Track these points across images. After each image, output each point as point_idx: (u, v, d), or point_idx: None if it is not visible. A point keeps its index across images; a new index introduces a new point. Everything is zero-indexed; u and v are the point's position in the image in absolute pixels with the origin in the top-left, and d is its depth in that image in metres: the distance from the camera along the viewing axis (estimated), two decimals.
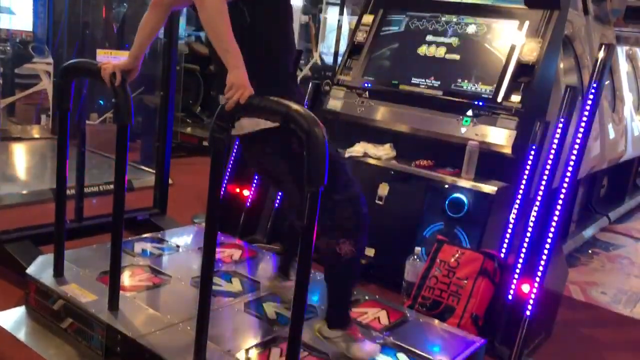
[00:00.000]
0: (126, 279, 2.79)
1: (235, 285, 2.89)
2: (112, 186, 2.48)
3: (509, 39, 3.44)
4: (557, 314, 3.16)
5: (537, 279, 2.75)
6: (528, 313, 2.73)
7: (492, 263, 2.93)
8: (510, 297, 2.83)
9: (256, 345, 2.38)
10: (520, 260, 2.83)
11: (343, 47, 7.19)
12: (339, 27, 8.09)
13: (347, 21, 8.43)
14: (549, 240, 2.78)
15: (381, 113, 3.68)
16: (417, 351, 2.47)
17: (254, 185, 3.84)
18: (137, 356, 2.28)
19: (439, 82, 3.57)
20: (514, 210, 3.09)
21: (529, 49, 3.35)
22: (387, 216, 3.46)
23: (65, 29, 6.11)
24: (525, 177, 3.09)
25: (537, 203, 2.90)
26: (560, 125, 2.96)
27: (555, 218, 2.82)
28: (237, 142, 3.23)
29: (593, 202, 5.29)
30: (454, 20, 3.69)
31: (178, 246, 3.33)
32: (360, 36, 3.94)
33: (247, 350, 2.33)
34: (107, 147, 4.46)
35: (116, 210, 2.43)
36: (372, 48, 3.88)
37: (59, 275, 2.70)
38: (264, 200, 3.90)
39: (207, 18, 1.98)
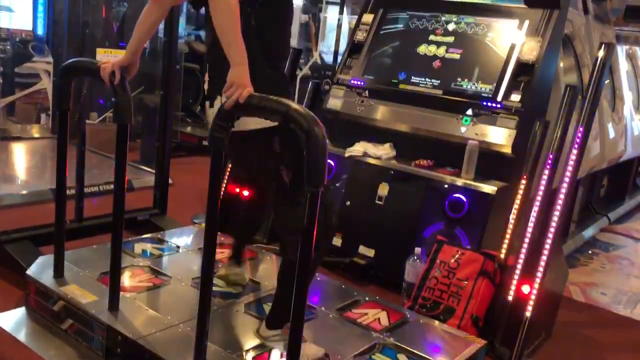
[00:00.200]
0: (126, 279, 2.79)
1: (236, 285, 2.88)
2: (112, 186, 2.47)
3: (509, 38, 3.44)
4: (557, 315, 3.15)
5: (537, 280, 2.75)
6: (528, 314, 2.73)
7: (492, 264, 2.93)
8: (510, 297, 2.82)
9: (256, 346, 2.38)
10: (520, 261, 2.83)
11: (343, 46, 7.18)
12: (339, 26, 8.08)
13: (347, 20, 8.43)
14: (549, 241, 2.78)
15: (381, 112, 3.68)
16: (417, 352, 2.47)
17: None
18: (138, 357, 2.28)
19: (438, 82, 3.56)
20: (514, 210, 3.08)
21: (529, 48, 3.34)
22: (387, 216, 3.46)
23: (65, 29, 6.10)
24: (525, 177, 3.09)
25: (537, 203, 2.90)
26: (560, 124, 2.96)
27: (555, 218, 2.82)
28: None
29: (593, 202, 5.29)
30: (454, 19, 3.68)
31: (178, 247, 3.33)
32: (360, 35, 3.94)
33: (247, 351, 2.33)
34: (107, 147, 4.46)
35: (116, 210, 2.43)
36: (372, 47, 3.88)
37: (59, 276, 2.70)
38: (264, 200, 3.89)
39: (219, 12, 2.00)
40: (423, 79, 3.62)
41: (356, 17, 4.22)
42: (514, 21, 3.47)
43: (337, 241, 3.60)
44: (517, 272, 2.82)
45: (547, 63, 3.38)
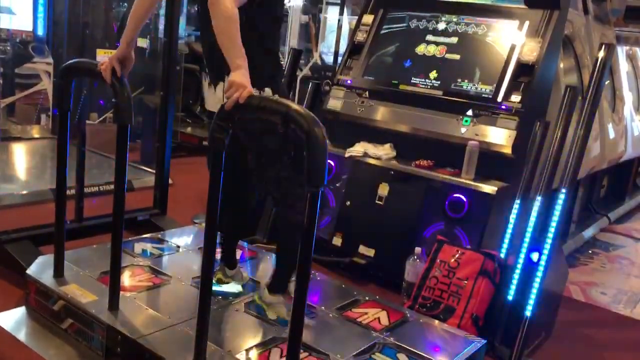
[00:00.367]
0: (126, 279, 2.79)
1: (236, 285, 2.88)
2: (112, 186, 2.47)
3: (509, 39, 3.44)
4: (557, 314, 3.16)
5: (537, 279, 2.75)
6: (528, 313, 2.73)
7: (492, 263, 2.93)
8: (510, 297, 2.83)
9: (256, 346, 2.38)
10: (520, 261, 2.83)
11: (343, 47, 7.19)
12: (339, 27, 8.09)
13: (347, 21, 8.43)
14: (549, 241, 2.78)
15: (381, 113, 3.68)
16: (417, 351, 2.47)
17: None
18: (138, 357, 2.28)
19: (439, 82, 3.57)
20: (514, 210, 3.09)
21: (529, 49, 3.35)
22: (387, 216, 3.47)
23: (65, 29, 6.11)
24: (525, 177, 3.09)
25: (537, 203, 2.90)
26: (560, 125, 2.96)
27: (555, 218, 2.82)
28: None
29: (593, 202, 5.29)
30: (454, 20, 3.69)
31: (178, 246, 3.33)
32: (360, 36, 3.94)
33: (247, 351, 2.33)
34: (107, 147, 4.46)
35: (116, 210, 2.43)
36: (372, 48, 3.88)
37: (59, 276, 2.70)
38: (264, 200, 3.90)
39: (218, 20, 2.06)
40: (423, 80, 3.62)
41: (356, 17, 4.22)
42: (514, 22, 3.47)
43: (337, 241, 3.60)
44: (517, 271, 2.83)
45: (547, 64, 3.38)
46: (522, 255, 2.83)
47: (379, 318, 2.74)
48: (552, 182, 2.96)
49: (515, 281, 2.82)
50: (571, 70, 3.99)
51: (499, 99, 3.32)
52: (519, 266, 2.83)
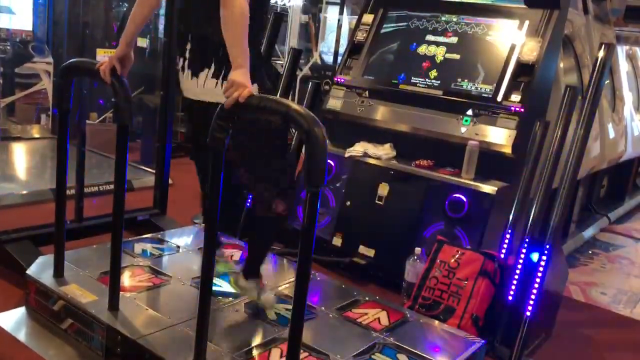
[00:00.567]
0: (126, 279, 2.79)
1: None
2: (112, 186, 2.47)
3: (509, 39, 3.44)
4: (557, 315, 3.15)
5: (537, 279, 2.75)
6: (528, 313, 2.73)
7: (492, 263, 2.93)
8: (510, 297, 2.83)
9: (256, 346, 2.38)
10: (520, 261, 2.83)
11: (343, 46, 7.19)
12: (339, 27, 8.09)
13: (347, 21, 8.44)
14: (549, 241, 2.78)
15: (381, 113, 3.68)
16: (417, 352, 2.46)
17: None
18: (138, 357, 2.28)
19: (438, 82, 3.57)
20: (514, 210, 3.08)
21: (529, 49, 3.35)
22: (387, 216, 3.47)
23: (65, 29, 6.11)
24: (525, 177, 3.09)
25: (537, 203, 2.90)
26: (560, 125, 2.96)
27: (555, 218, 2.82)
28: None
29: (593, 202, 5.29)
30: (454, 19, 3.69)
31: (178, 246, 3.33)
32: (360, 35, 3.94)
33: (247, 351, 2.33)
34: (107, 147, 4.46)
35: (116, 210, 2.43)
36: (372, 47, 3.88)
37: (59, 276, 2.70)
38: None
39: (232, 17, 2.08)
40: (423, 79, 3.62)
41: (356, 17, 4.22)
42: (514, 21, 3.47)
43: (337, 241, 3.60)
44: (517, 271, 2.83)
45: (547, 63, 3.38)
46: (522, 255, 2.83)
47: (379, 318, 2.73)
48: (552, 182, 2.96)
49: (515, 281, 2.82)
50: (571, 70, 3.99)
51: (499, 99, 3.32)
52: (519, 266, 2.83)
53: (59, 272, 2.71)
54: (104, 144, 4.87)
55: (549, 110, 3.38)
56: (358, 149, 3.63)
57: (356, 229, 3.57)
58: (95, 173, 4.55)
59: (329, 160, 3.56)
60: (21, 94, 6.67)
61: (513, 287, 2.82)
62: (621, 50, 5.18)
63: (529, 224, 2.86)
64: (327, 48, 8.91)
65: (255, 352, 2.33)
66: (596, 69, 2.96)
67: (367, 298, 2.93)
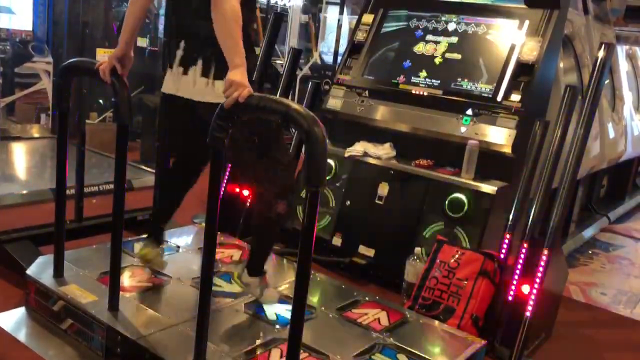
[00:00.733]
0: (126, 279, 2.79)
1: (235, 285, 2.88)
2: (112, 186, 2.47)
3: (509, 39, 3.44)
4: (557, 315, 3.15)
5: (537, 279, 2.74)
6: (528, 314, 2.73)
7: (492, 263, 2.93)
8: (510, 297, 2.82)
9: (256, 346, 2.37)
10: (520, 261, 2.83)
11: (343, 46, 7.19)
12: (339, 27, 8.10)
13: (347, 20, 8.45)
14: (549, 241, 2.78)
15: (381, 112, 3.68)
16: (417, 352, 2.46)
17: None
18: (137, 357, 2.28)
19: (438, 81, 3.56)
20: (514, 210, 3.08)
21: (529, 49, 3.35)
22: (387, 216, 3.46)
23: (65, 29, 6.11)
24: (524, 176, 3.09)
25: (537, 203, 2.90)
26: (560, 125, 2.96)
27: (555, 218, 2.82)
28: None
29: (593, 202, 5.29)
30: (454, 19, 3.69)
31: (178, 246, 3.33)
32: (360, 35, 3.94)
33: (247, 351, 2.32)
34: (107, 147, 4.45)
35: (116, 210, 2.43)
36: (372, 47, 3.88)
37: (59, 276, 2.70)
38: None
39: (224, 19, 2.09)
40: (423, 79, 3.62)
41: (356, 17, 4.22)
42: (514, 21, 3.47)
43: (337, 241, 3.60)
44: (517, 272, 2.82)
45: (547, 63, 3.38)
46: (522, 255, 2.83)
47: (379, 318, 2.73)
48: (552, 182, 2.96)
49: (515, 281, 2.82)
50: (571, 69, 3.99)
51: (499, 99, 3.32)
52: (519, 266, 2.83)
53: (58, 272, 2.71)
54: (104, 143, 4.87)
55: (549, 110, 3.38)
56: (358, 148, 3.63)
57: (356, 229, 3.57)
58: (95, 173, 4.54)
59: (328, 160, 3.56)
60: (21, 94, 6.66)
61: (513, 287, 2.82)
62: (621, 50, 5.18)
63: (529, 224, 2.86)
64: (327, 48, 8.92)
65: (255, 353, 2.33)
66: (596, 68, 2.96)
67: (367, 298, 2.93)
